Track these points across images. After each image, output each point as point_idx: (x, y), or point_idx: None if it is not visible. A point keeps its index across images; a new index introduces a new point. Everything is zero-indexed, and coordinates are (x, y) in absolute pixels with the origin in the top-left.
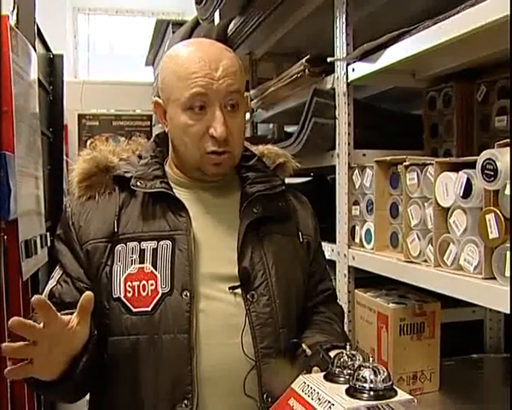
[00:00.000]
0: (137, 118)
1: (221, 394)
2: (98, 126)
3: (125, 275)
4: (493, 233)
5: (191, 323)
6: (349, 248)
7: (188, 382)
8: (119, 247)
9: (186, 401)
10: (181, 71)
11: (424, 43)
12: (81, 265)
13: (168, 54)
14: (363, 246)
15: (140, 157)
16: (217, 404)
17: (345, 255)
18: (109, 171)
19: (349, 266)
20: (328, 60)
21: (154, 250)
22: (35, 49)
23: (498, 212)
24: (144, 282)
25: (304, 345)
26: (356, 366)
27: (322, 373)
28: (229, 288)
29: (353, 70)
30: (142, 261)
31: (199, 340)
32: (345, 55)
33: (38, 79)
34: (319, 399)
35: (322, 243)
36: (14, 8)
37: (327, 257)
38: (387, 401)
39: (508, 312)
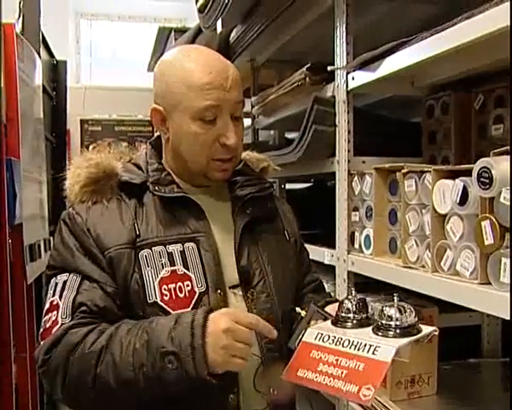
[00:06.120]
0: (139, 123)
1: (248, 389)
2: (100, 132)
3: (158, 279)
4: (488, 239)
5: None
6: (348, 253)
7: (234, 376)
8: (143, 252)
9: (232, 396)
10: (193, 81)
11: (423, 53)
12: (104, 270)
13: (168, 60)
14: (362, 252)
15: (135, 165)
16: (254, 398)
17: (344, 261)
18: (113, 177)
19: (348, 272)
20: (329, 68)
21: (182, 252)
22: (40, 56)
23: (493, 219)
24: (180, 284)
25: (297, 309)
26: (370, 309)
27: (329, 321)
28: (230, 287)
29: (353, 78)
30: (172, 264)
31: None
32: (345, 63)
33: (42, 84)
34: (354, 345)
35: (322, 249)
36: (19, 15)
37: (327, 262)
38: (415, 337)
39: (507, 317)
